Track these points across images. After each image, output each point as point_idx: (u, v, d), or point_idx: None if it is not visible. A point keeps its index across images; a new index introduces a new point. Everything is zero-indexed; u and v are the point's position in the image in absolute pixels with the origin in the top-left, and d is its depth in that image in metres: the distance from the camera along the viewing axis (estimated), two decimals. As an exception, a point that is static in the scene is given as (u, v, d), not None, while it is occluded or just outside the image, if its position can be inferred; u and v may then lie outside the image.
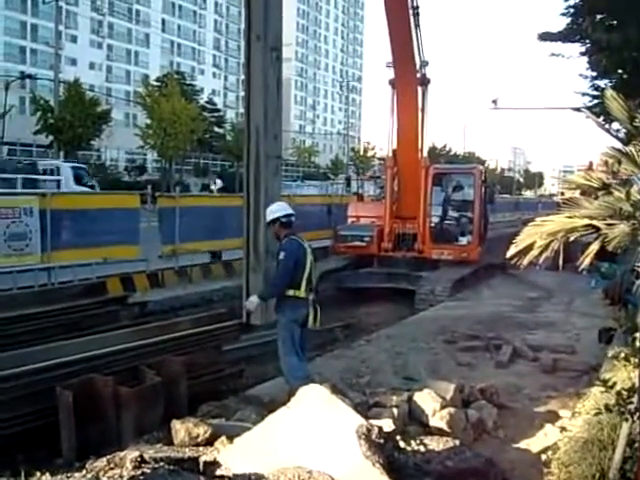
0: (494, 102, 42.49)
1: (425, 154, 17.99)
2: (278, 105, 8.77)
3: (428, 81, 17.75)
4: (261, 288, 7.88)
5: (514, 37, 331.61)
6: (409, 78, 16.81)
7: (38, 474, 4.24)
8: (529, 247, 5.65)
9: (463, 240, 17.77)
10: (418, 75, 17.14)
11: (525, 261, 5.58)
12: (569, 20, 21.42)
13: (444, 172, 19.07)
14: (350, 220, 19.36)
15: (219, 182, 45.09)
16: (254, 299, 7.43)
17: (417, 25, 16.26)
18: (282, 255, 7.13)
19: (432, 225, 17.74)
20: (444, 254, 17.44)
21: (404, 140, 17.40)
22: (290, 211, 7.47)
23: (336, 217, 20.85)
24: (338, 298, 16.18)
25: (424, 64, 17.41)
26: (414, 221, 17.70)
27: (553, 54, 23.35)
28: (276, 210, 7.41)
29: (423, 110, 17.51)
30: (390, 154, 18.25)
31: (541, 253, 5.41)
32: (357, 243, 17.98)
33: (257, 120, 8.55)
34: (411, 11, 15.86)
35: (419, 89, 17.28)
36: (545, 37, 22.64)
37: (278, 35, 8.72)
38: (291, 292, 7.10)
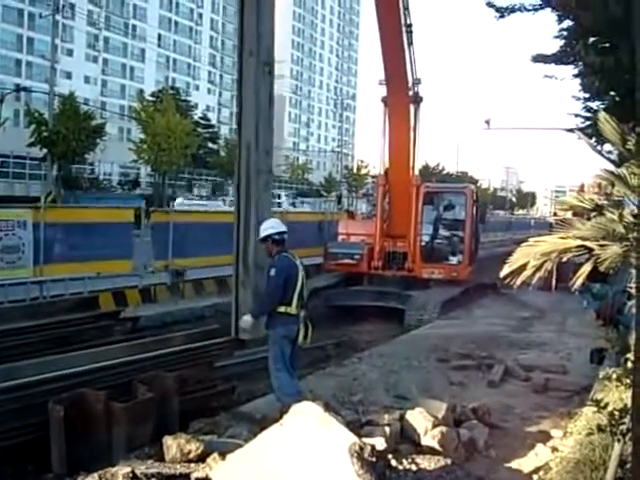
0: (487, 122, 42.80)
1: (417, 173, 18.01)
2: (270, 120, 8.75)
3: (420, 99, 17.77)
4: (252, 305, 7.89)
5: (508, 58, 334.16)
6: (401, 96, 16.82)
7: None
8: (522, 267, 5.69)
9: (454, 259, 17.76)
10: (410, 93, 17.14)
11: (518, 281, 5.62)
12: (562, 43, 21.61)
13: (435, 191, 19.06)
14: (340, 238, 19.27)
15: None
16: (248, 318, 7.46)
17: (410, 43, 16.33)
18: (273, 272, 7.17)
19: (423, 244, 17.72)
20: (434, 273, 17.43)
21: (395, 158, 17.42)
22: (282, 228, 7.50)
23: (328, 234, 20.82)
24: (327, 316, 16.13)
25: (417, 82, 17.42)
26: (405, 239, 17.67)
27: (546, 76, 23.51)
28: (269, 227, 7.44)
29: (415, 128, 17.55)
30: (382, 172, 18.27)
31: (534, 273, 5.44)
32: (347, 261, 17.90)
33: (248, 135, 8.51)
34: (404, 29, 15.88)
35: (411, 107, 17.30)
36: (539, 59, 22.78)
37: (270, 50, 8.72)
38: (282, 308, 7.10)
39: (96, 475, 4.52)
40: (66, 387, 6.82)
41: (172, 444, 5.54)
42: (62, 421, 6.29)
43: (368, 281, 17.93)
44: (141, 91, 76.25)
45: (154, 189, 60.42)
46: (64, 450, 6.33)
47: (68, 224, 14.45)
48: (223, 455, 5.20)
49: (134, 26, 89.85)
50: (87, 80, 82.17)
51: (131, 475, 4.36)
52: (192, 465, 5.26)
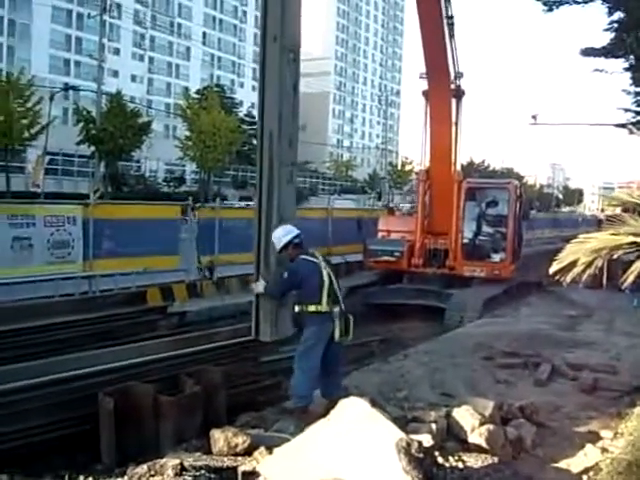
0: (534, 117, 42.14)
1: (459, 168, 17.74)
2: (294, 109, 8.25)
3: (463, 93, 17.46)
4: (269, 283, 7.66)
5: (556, 51, 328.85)
6: (443, 89, 16.59)
7: (81, 478, 4.30)
8: (572, 264, 5.61)
9: (496, 257, 17.38)
10: (452, 87, 16.88)
11: (568, 278, 5.55)
12: (613, 35, 21.23)
13: (477, 187, 18.64)
14: (380, 234, 19.07)
15: None
16: (261, 286, 7.57)
17: (452, 35, 16.05)
18: (285, 274, 7.22)
19: (464, 241, 17.37)
20: (476, 271, 17.10)
21: (437, 153, 17.16)
22: (297, 231, 7.45)
23: (368, 231, 20.62)
24: (366, 314, 16.06)
25: (459, 75, 17.11)
26: (446, 237, 17.38)
27: (596, 69, 23.16)
28: (285, 234, 7.38)
29: (457, 123, 17.25)
30: (423, 167, 18.08)
31: (584, 270, 5.37)
32: (387, 258, 17.66)
33: (271, 125, 8.05)
34: (445, 20, 15.64)
35: (453, 101, 17.03)
36: (588, 52, 22.47)
37: (296, 36, 8.26)
38: (313, 308, 7.05)
39: (145, 466, 4.58)
40: (115, 380, 6.95)
41: (219, 437, 5.58)
42: (112, 413, 6.41)
43: (408, 279, 17.69)
44: (186, 89, 76.96)
45: (200, 186, 60.95)
46: (113, 441, 6.46)
47: (116, 220, 14.68)
48: (270, 449, 5.23)
49: (179, 24, 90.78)
50: (134, 78, 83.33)
51: (179, 467, 4.41)
52: (239, 458, 5.30)
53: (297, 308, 7.21)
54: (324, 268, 7.26)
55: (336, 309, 7.15)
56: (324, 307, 7.06)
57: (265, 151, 8.06)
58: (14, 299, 11.70)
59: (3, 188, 40.61)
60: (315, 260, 7.30)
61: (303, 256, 7.28)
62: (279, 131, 7.93)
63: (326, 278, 7.16)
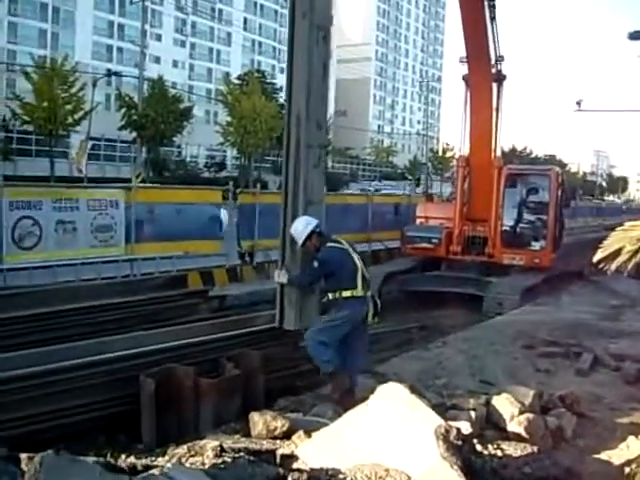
0: (578, 104, 41.51)
1: (499, 154, 17.45)
2: (324, 90, 7.97)
3: (504, 77, 17.14)
4: (295, 274, 7.57)
5: (601, 35, 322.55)
6: (483, 74, 16.28)
7: (123, 457, 4.37)
8: (616, 253, 5.51)
9: (536, 245, 17.02)
10: (493, 71, 16.56)
11: (612, 266, 5.45)
12: (662, 19, 20.76)
13: (518, 173, 18.27)
14: (419, 221, 18.88)
15: None
16: (284, 276, 7.51)
17: (493, 18, 15.67)
18: (316, 264, 7.13)
19: (504, 228, 17.06)
20: (515, 259, 16.78)
21: (476, 139, 16.87)
22: (316, 220, 7.37)
23: (407, 218, 20.49)
24: (403, 301, 16.01)
25: (499, 60, 16.76)
26: (485, 224, 17.10)
27: (643, 54, 22.65)
28: (305, 225, 7.27)
29: (498, 108, 16.94)
30: (462, 153, 17.87)
31: (630, 259, 5.27)
32: (425, 245, 17.51)
33: (299, 105, 7.73)
34: (486, 2, 15.28)
35: (494, 86, 16.72)
36: (636, 36, 22.01)
37: (326, 13, 7.89)
38: (348, 293, 7.00)
39: (185, 447, 4.62)
40: (156, 362, 7.03)
41: (258, 420, 5.62)
42: (153, 394, 6.50)
43: (446, 266, 17.50)
44: (227, 74, 77.38)
45: (240, 171, 61.28)
46: (154, 422, 6.55)
47: (158, 204, 14.83)
48: (308, 433, 5.24)
49: (220, 10, 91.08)
50: (175, 64, 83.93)
51: (219, 448, 4.44)
52: (278, 442, 5.33)
53: (331, 295, 7.12)
54: (353, 253, 7.25)
55: (369, 293, 7.18)
56: (360, 291, 7.05)
57: (292, 133, 7.79)
58: (58, 281, 11.93)
59: (47, 173, 41.37)
60: (343, 246, 7.28)
61: (330, 243, 7.22)
62: (307, 112, 7.66)
63: (358, 262, 7.16)
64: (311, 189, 7.74)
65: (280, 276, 7.58)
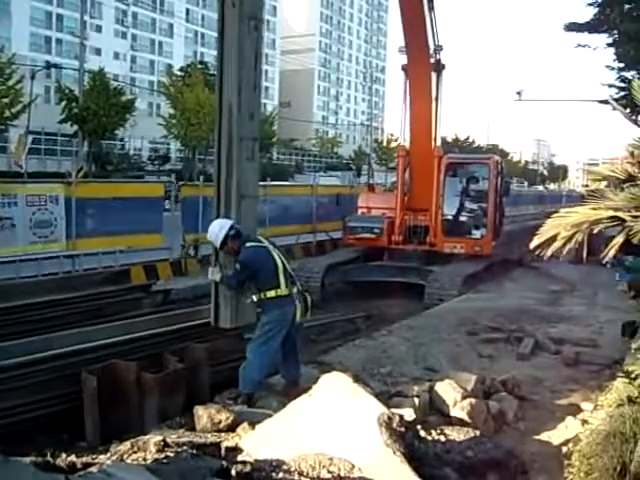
0: (518, 93, 42.07)
1: (439, 143, 17.53)
2: (256, 80, 7.69)
3: (443, 67, 17.19)
4: (227, 274, 7.32)
5: (539, 27, 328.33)
6: (422, 63, 16.34)
7: (64, 455, 4.30)
8: (552, 239, 5.63)
9: (477, 233, 17.19)
10: (432, 60, 16.62)
11: (548, 252, 5.57)
12: (596, 10, 21.22)
13: (458, 162, 18.40)
14: (360, 211, 18.87)
15: None
16: (217, 274, 7.29)
17: (431, 8, 15.75)
18: (238, 266, 6.97)
19: (445, 217, 17.18)
20: (457, 248, 16.94)
21: (416, 128, 16.95)
22: (230, 222, 7.18)
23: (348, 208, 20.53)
24: (346, 291, 16.09)
25: (438, 49, 16.83)
26: (426, 213, 17.24)
27: (579, 45, 23.16)
28: (220, 229, 7.11)
29: (437, 97, 16.97)
30: (402, 143, 17.91)
31: (564, 245, 5.38)
32: (367, 235, 17.49)
33: (230, 97, 7.48)
34: None
35: (433, 75, 16.75)
36: (572, 27, 22.45)
37: (256, 2, 7.66)
38: (272, 293, 6.84)
39: (128, 443, 4.58)
40: (99, 358, 6.96)
41: (203, 414, 5.60)
42: (95, 391, 6.43)
43: (388, 256, 17.53)
44: (170, 66, 76.24)
45: (184, 164, 60.71)
46: (97, 419, 6.48)
47: (99, 199, 14.59)
48: (253, 425, 5.25)
49: (162, 1, 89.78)
50: (116, 56, 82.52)
51: (163, 443, 4.42)
52: (222, 434, 5.32)
53: (255, 297, 6.97)
54: (273, 250, 7.09)
55: (294, 290, 7.02)
56: (284, 290, 6.89)
57: (224, 125, 7.56)
58: (-3, 279, 11.66)
59: (-15, 168, 40.26)
60: (263, 244, 7.13)
61: (249, 243, 7.04)
62: (239, 104, 7.42)
63: (278, 260, 6.99)
64: (245, 183, 7.54)
65: (213, 273, 7.36)
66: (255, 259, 6.95)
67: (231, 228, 7.06)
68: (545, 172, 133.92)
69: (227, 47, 7.56)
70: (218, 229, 7.11)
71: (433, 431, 5.20)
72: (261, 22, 7.75)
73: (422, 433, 5.10)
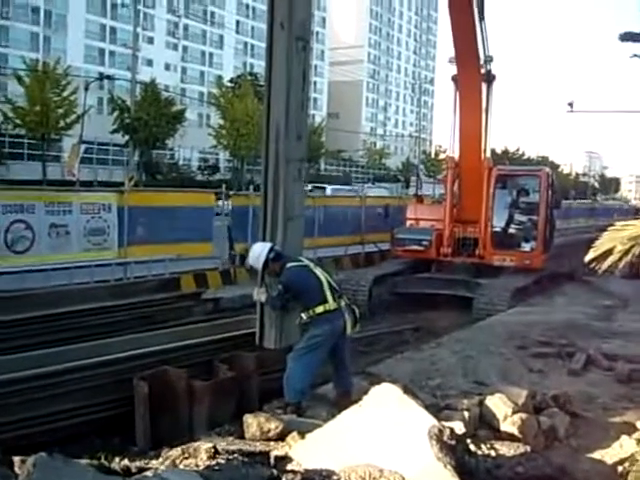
0: (570, 105, 41.63)
1: (489, 155, 17.29)
2: (303, 101, 7.72)
3: (493, 78, 17.02)
4: (271, 294, 7.31)
5: (592, 37, 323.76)
6: (472, 74, 16.13)
7: (117, 459, 4.38)
8: (608, 252, 5.53)
9: (527, 246, 16.88)
10: (482, 71, 16.40)
11: (604, 266, 5.47)
12: (653, 21, 20.86)
13: (508, 174, 18.12)
14: (409, 223, 18.73)
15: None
16: (262, 295, 7.31)
17: (482, 18, 15.61)
18: (280, 287, 6.98)
19: (494, 230, 16.92)
20: (506, 260, 16.67)
21: (466, 140, 16.76)
22: (269, 245, 7.23)
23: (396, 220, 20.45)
24: (393, 303, 16.00)
25: (489, 60, 16.62)
26: (475, 225, 16.99)
27: (635, 55, 22.77)
28: (259, 254, 7.14)
29: (487, 109, 16.81)
30: (452, 154, 17.74)
31: (621, 258, 5.29)
32: (415, 247, 17.34)
33: (278, 118, 7.52)
34: (475, 2, 15.15)
35: (483, 86, 16.56)
36: (627, 37, 22.10)
37: (305, 23, 7.73)
38: (321, 308, 6.81)
39: (179, 449, 4.62)
40: (150, 364, 7.05)
41: (252, 422, 5.62)
42: (146, 397, 6.52)
43: (436, 268, 17.39)
44: (220, 77, 77.22)
45: (233, 174, 61.28)
46: (148, 425, 6.56)
47: (150, 207, 14.82)
48: (302, 434, 5.25)
49: (212, 13, 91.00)
50: (167, 67, 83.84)
51: (213, 450, 4.45)
52: (272, 443, 5.33)
53: (305, 315, 6.90)
54: (315, 268, 7.11)
55: (342, 303, 7.01)
56: (332, 304, 6.87)
57: (271, 146, 7.59)
58: (51, 285, 11.91)
59: (40, 176, 41.27)
60: (304, 263, 7.16)
61: (290, 264, 7.05)
62: (286, 125, 7.47)
63: (322, 276, 7.00)
64: (291, 204, 7.58)
65: (259, 294, 7.39)
66: (297, 279, 6.98)
67: (270, 251, 7.11)
68: (596, 185, 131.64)
69: (275, 68, 7.62)
70: (258, 253, 7.17)
71: (483, 445, 5.14)
72: (309, 43, 7.82)
73: (472, 447, 5.04)
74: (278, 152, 7.53)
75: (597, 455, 6.02)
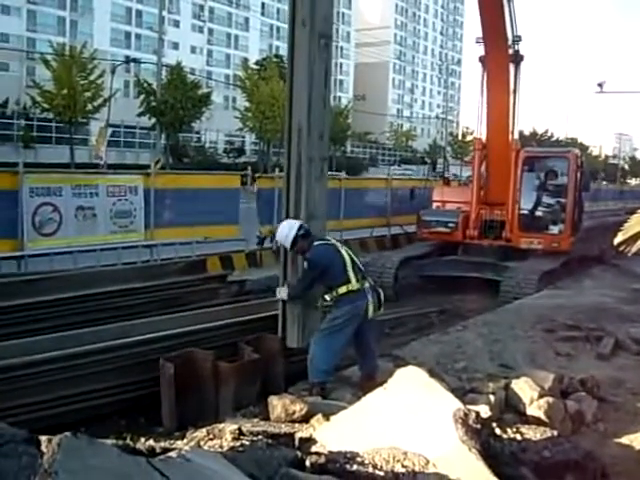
0: (600, 85, 41.03)
1: (516, 137, 17.01)
2: (325, 99, 7.62)
3: (521, 58, 16.69)
4: (292, 286, 7.42)
5: (624, 17, 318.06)
6: (500, 54, 15.94)
7: (142, 440, 4.40)
8: (637, 235, 5.44)
9: (555, 229, 16.61)
10: (510, 52, 16.20)
11: (633, 249, 5.38)
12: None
13: (536, 156, 17.85)
14: (435, 205, 18.60)
15: None
16: (284, 292, 7.36)
17: None
18: (306, 265, 7.03)
19: (521, 212, 16.66)
20: (534, 243, 16.42)
21: (493, 121, 16.51)
22: (299, 222, 7.20)
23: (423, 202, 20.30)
24: (419, 286, 15.92)
25: (517, 40, 16.35)
26: (502, 207, 16.77)
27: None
28: (289, 230, 7.10)
29: (515, 89, 16.50)
30: (479, 136, 17.50)
31: (651, 241, 5.20)
32: (441, 229, 17.22)
33: (300, 116, 7.45)
34: None
35: (511, 67, 16.35)
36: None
37: (327, 20, 7.58)
38: (344, 289, 6.80)
39: (204, 430, 4.65)
40: (176, 346, 7.09)
41: (277, 404, 5.64)
42: (172, 378, 6.55)
43: (463, 251, 17.17)
44: (246, 60, 77.23)
45: (259, 156, 61.37)
46: (174, 406, 6.60)
47: (177, 189, 14.88)
48: (327, 416, 5.26)
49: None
50: (193, 50, 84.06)
51: (238, 432, 4.46)
52: (296, 425, 5.34)
53: (328, 297, 6.96)
54: (341, 247, 7.12)
55: (366, 285, 6.97)
56: (355, 285, 6.85)
57: (293, 145, 7.54)
58: (78, 267, 12.02)
59: (67, 160, 41.67)
60: (330, 242, 7.19)
61: (317, 242, 7.06)
62: (308, 123, 7.41)
63: (347, 256, 6.99)
64: (314, 203, 7.55)
65: (281, 292, 7.43)
66: (324, 255, 6.97)
67: (300, 228, 7.09)
68: (626, 167, 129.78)
69: (297, 66, 7.55)
70: (288, 230, 7.14)
71: (509, 429, 5.10)
72: (331, 39, 7.71)
73: (498, 431, 5.00)
74: (300, 151, 7.49)
75: (625, 440, 5.96)
